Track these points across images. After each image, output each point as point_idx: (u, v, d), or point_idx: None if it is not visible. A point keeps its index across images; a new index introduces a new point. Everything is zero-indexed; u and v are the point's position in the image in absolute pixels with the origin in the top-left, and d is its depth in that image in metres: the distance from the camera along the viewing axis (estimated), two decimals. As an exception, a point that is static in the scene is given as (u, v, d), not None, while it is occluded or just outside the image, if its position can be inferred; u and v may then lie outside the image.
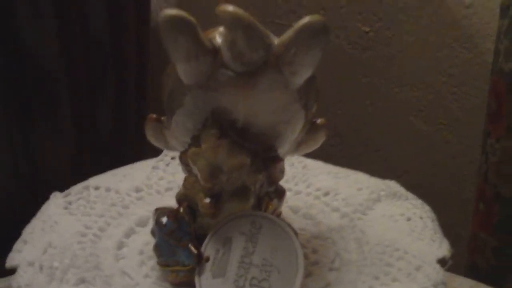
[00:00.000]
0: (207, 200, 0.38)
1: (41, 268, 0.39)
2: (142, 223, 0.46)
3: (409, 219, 0.48)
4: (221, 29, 0.35)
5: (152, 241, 0.42)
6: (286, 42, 0.34)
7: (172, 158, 0.53)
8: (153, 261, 0.42)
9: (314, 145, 0.44)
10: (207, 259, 0.37)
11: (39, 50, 0.72)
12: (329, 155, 1.00)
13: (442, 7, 0.83)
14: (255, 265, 0.37)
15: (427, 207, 0.50)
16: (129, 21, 0.81)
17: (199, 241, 0.39)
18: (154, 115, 0.42)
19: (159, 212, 0.40)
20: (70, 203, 0.46)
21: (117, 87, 0.81)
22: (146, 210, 0.47)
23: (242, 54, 0.34)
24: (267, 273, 0.37)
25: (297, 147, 0.43)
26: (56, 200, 0.47)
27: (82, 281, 0.38)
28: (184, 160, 0.40)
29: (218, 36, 0.35)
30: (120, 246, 0.43)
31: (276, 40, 0.35)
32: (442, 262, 0.44)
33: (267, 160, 0.40)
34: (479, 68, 0.83)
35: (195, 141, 0.38)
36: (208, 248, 0.38)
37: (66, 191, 0.48)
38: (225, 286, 0.36)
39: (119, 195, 0.48)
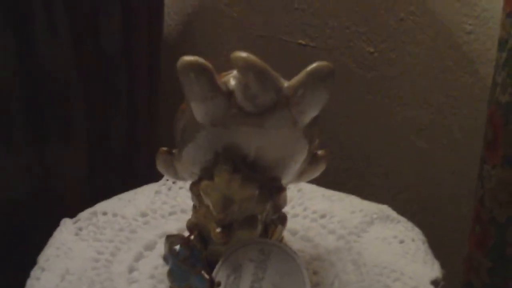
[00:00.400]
0: (219, 229, 0.41)
1: None
2: (149, 247, 0.48)
3: (402, 242, 0.51)
4: (235, 72, 0.38)
5: (160, 265, 0.45)
6: (296, 85, 0.37)
7: (173, 182, 0.55)
8: (163, 285, 0.44)
9: (314, 174, 0.46)
10: (219, 284, 0.40)
11: (55, 66, 0.73)
12: (333, 169, 1.04)
13: (443, 32, 0.86)
14: None
15: (417, 230, 0.53)
16: (142, 37, 0.83)
17: (210, 267, 0.41)
18: (165, 148, 0.44)
19: (171, 240, 0.43)
20: (80, 229, 0.48)
21: (129, 102, 0.83)
22: (152, 235, 0.49)
23: (255, 96, 0.37)
24: None
25: (299, 177, 0.45)
26: (67, 227, 0.48)
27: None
28: (195, 191, 0.42)
29: (232, 80, 0.38)
30: (131, 270, 0.45)
31: (285, 83, 0.38)
32: (435, 283, 0.47)
33: (272, 190, 0.43)
34: (480, 92, 0.86)
35: (207, 174, 0.41)
36: (219, 274, 0.40)
37: (76, 218, 0.49)
38: None
39: (126, 220, 0.50)
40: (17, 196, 0.77)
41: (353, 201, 0.56)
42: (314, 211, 0.52)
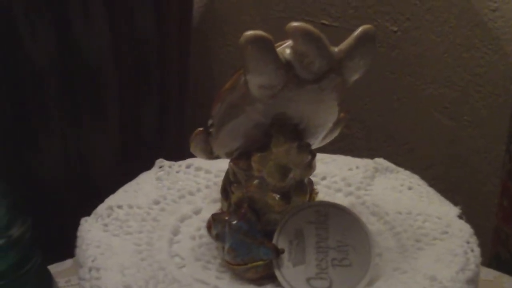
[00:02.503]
0: (279, 197, 0.42)
1: None
2: (175, 232, 0.47)
3: (410, 188, 0.51)
4: (288, 43, 0.39)
5: (196, 245, 0.45)
6: (347, 49, 0.39)
7: (169, 167, 0.54)
8: (211, 264, 0.44)
9: (332, 137, 0.47)
10: (282, 251, 0.41)
11: (90, 52, 0.75)
12: (356, 148, 1.05)
13: (469, 9, 0.87)
14: (332, 248, 0.41)
15: (416, 176, 0.53)
16: (173, 22, 0.84)
17: (267, 237, 0.42)
18: (202, 128, 0.45)
19: (221, 217, 0.43)
20: (106, 225, 0.47)
21: (160, 86, 0.84)
22: (173, 219, 0.48)
23: (312, 63, 0.38)
24: (345, 252, 0.41)
25: (321, 141, 0.46)
26: (91, 224, 0.47)
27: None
28: (242, 165, 0.43)
29: (287, 50, 0.38)
30: (172, 255, 0.45)
31: (335, 48, 0.40)
32: (460, 217, 0.47)
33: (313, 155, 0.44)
34: (505, 69, 0.86)
35: (254, 147, 0.42)
36: (280, 241, 0.41)
37: (93, 215, 0.48)
38: (308, 270, 0.40)
39: (143, 209, 0.49)
40: (54, 177, 0.79)
41: (346, 160, 0.56)
42: (313, 175, 0.52)
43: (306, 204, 0.43)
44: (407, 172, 0.54)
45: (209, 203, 0.51)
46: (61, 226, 0.76)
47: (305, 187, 0.43)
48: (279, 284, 0.41)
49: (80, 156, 0.80)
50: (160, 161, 0.54)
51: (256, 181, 0.42)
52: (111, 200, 0.50)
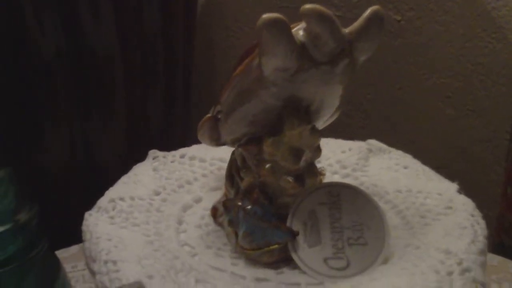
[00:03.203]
0: (292, 179, 0.42)
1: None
2: (179, 221, 0.48)
3: (406, 167, 0.51)
4: (301, 25, 0.39)
5: (204, 234, 0.45)
6: (358, 30, 0.39)
7: (164, 157, 0.54)
8: (222, 251, 0.44)
9: (331, 121, 0.47)
10: (297, 233, 0.41)
11: (98, 42, 0.76)
12: (358, 137, 1.05)
13: (472, -1, 0.87)
14: (347, 227, 0.41)
15: (409, 155, 0.53)
16: (179, 16, 0.84)
17: (281, 220, 0.42)
18: (210, 115, 0.45)
19: (232, 203, 0.43)
20: (112, 217, 0.46)
21: (166, 78, 0.85)
22: (176, 209, 0.48)
23: (326, 45, 0.38)
24: (360, 231, 0.41)
25: (322, 124, 0.46)
26: (97, 218, 0.46)
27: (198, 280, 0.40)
28: (252, 151, 0.43)
29: (300, 32, 0.39)
30: (182, 244, 0.45)
31: (345, 29, 0.40)
32: (459, 192, 0.48)
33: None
34: (508, 58, 0.87)
35: (264, 131, 0.42)
36: (294, 224, 0.41)
37: (96, 207, 0.48)
38: (325, 251, 0.40)
39: (145, 201, 0.49)
40: (61, 168, 0.79)
41: (337, 142, 0.56)
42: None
43: (317, 185, 0.43)
44: (400, 152, 0.54)
45: (208, 191, 0.51)
46: (67, 215, 0.77)
47: (316, 169, 0.43)
48: (294, 266, 0.41)
49: (87, 147, 0.80)
50: (153, 152, 0.54)
51: (268, 165, 0.42)
52: (112, 192, 0.49)
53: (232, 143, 0.46)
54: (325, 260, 0.40)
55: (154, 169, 0.52)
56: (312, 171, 0.43)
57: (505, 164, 0.73)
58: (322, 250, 0.41)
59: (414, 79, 0.96)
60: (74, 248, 0.62)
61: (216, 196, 0.49)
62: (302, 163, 0.42)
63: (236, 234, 0.43)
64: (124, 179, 0.51)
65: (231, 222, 0.44)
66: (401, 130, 1.00)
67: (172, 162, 0.53)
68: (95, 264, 0.42)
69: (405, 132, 1.00)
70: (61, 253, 0.59)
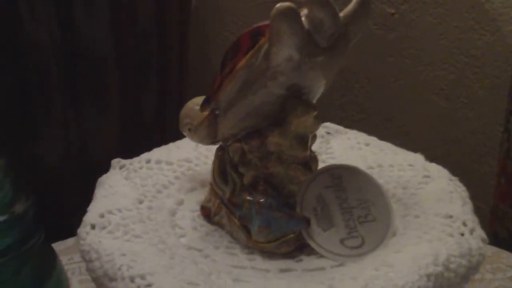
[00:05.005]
0: (301, 167, 0.43)
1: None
2: (174, 226, 0.47)
3: (367, 144, 0.52)
4: (303, 12, 0.39)
5: (202, 234, 0.45)
6: (352, 13, 0.41)
7: (130, 164, 0.52)
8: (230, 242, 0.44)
9: None
10: (309, 220, 0.42)
11: (92, 38, 0.76)
12: (353, 129, 1.05)
13: (466, -10, 0.87)
14: (354, 206, 0.42)
15: (364, 134, 0.54)
16: (173, 10, 0.84)
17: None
18: (209, 111, 0.45)
19: (243, 199, 0.43)
20: (111, 232, 0.44)
21: (160, 73, 0.85)
22: (166, 215, 0.47)
23: (328, 30, 0.39)
24: (367, 209, 0.42)
25: None
26: (95, 234, 0.44)
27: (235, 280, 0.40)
28: (254, 144, 0.42)
29: (303, 19, 0.39)
30: (189, 248, 0.44)
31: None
32: (429, 161, 0.49)
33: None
34: (501, 50, 0.87)
35: (266, 122, 0.42)
36: (304, 210, 0.42)
37: (87, 225, 0.45)
38: (339, 232, 0.41)
39: (133, 211, 0.46)
40: (55, 162, 0.79)
41: None
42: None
43: (319, 170, 0.43)
44: (355, 131, 0.54)
45: (186, 193, 0.50)
46: (62, 209, 0.77)
47: (315, 154, 0.44)
48: (309, 253, 0.42)
49: (82, 140, 0.80)
50: (117, 161, 0.51)
51: (274, 156, 0.42)
52: (98, 208, 0.46)
53: (229, 139, 0.45)
54: (342, 241, 0.41)
55: (126, 178, 0.50)
56: (314, 156, 0.44)
57: (498, 155, 0.73)
58: (336, 232, 0.41)
59: (408, 72, 0.96)
60: (70, 241, 0.62)
61: (197, 197, 0.48)
62: (309, 149, 0.42)
63: (246, 230, 0.43)
64: (101, 192, 0.49)
65: (241, 218, 0.43)
66: (396, 123, 1.00)
67: (140, 168, 0.51)
68: (116, 283, 0.39)
69: (400, 125, 1.00)
70: (57, 246, 0.59)
